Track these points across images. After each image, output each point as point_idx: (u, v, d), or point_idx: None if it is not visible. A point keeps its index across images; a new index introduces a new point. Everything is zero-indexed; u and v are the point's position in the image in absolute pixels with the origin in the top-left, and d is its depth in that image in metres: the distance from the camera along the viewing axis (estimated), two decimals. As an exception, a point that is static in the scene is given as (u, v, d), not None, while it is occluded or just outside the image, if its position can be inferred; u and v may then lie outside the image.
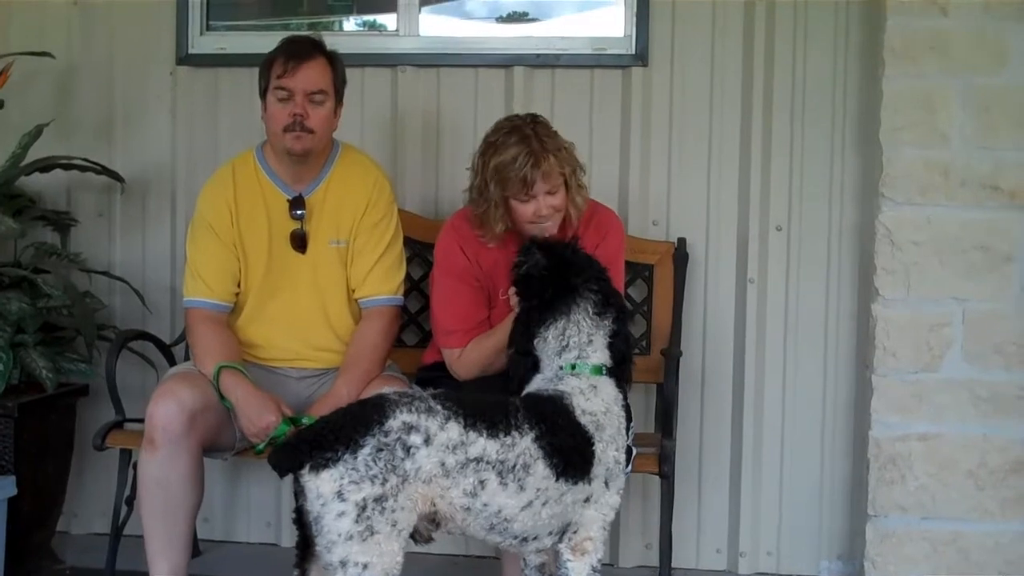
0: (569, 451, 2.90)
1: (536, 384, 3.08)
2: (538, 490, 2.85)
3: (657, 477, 3.68)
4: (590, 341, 3.05)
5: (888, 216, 3.88)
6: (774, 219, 4.20)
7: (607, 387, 3.04)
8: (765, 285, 4.21)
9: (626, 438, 3.06)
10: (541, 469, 2.85)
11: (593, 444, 2.94)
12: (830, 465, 4.23)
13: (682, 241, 4.17)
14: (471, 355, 3.53)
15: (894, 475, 3.91)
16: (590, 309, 3.06)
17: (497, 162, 3.38)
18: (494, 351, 3.44)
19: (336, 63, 3.67)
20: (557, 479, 2.87)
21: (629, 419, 3.17)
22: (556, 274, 3.09)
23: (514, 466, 2.82)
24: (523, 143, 3.38)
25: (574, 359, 3.05)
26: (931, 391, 3.89)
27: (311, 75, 3.58)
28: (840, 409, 4.21)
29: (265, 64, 3.63)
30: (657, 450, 3.62)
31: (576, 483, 2.91)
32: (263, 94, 3.64)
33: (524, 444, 2.84)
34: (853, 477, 4.18)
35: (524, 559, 3.21)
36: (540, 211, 3.41)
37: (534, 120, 3.49)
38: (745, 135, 4.21)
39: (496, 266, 3.56)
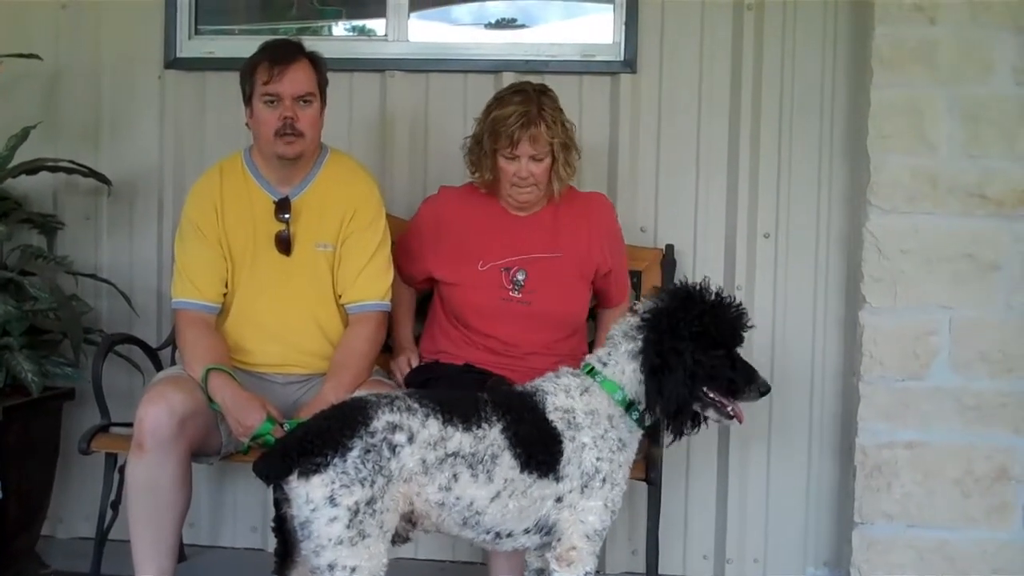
0: (532, 442, 2.91)
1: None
2: (505, 480, 2.88)
3: (644, 483, 3.69)
4: (619, 355, 3.04)
5: (875, 224, 3.89)
6: (762, 226, 4.22)
7: (601, 397, 3.03)
8: (753, 292, 4.22)
9: (616, 450, 3.03)
10: (507, 459, 2.88)
11: (561, 440, 2.95)
12: (817, 472, 4.24)
13: (670, 248, 4.18)
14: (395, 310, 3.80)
15: (880, 482, 3.92)
16: (642, 331, 3.01)
17: (495, 115, 3.57)
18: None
19: (319, 64, 3.68)
20: (522, 470, 2.89)
21: None
22: (677, 306, 3.02)
23: (483, 457, 2.86)
24: (524, 104, 3.57)
25: (596, 360, 3.07)
26: (918, 399, 3.90)
27: (297, 78, 3.59)
28: (827, 416, 4.23)
29: (248, 70, 3.63)
30: (644, 456, 3.62)
31: (541, 477, 2.92)
32: (248, 100, 3.65)
33: (492, 435, 2.88)
34: (840, 484, 4.19)
35: (526, 560, 3.21)
36: (521, 173, 3.56)
37: (543, 90, 3.66)
38: (733, 142, 4.22)
39: (481, 233, 3.68)
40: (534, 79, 4.20)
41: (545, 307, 3.63)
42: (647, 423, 3.06)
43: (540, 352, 3.60)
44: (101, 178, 4.32)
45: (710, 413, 3.07)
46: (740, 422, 3.10)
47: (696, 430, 3.07)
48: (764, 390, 3.07)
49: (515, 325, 3.63)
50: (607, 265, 3.75)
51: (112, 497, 3.81)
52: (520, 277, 3.63)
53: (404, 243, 3.84)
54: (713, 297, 3.02)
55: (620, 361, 3.02)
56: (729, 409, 3.05)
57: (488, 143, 3.56)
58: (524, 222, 3.71)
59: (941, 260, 3.88)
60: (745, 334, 3.07)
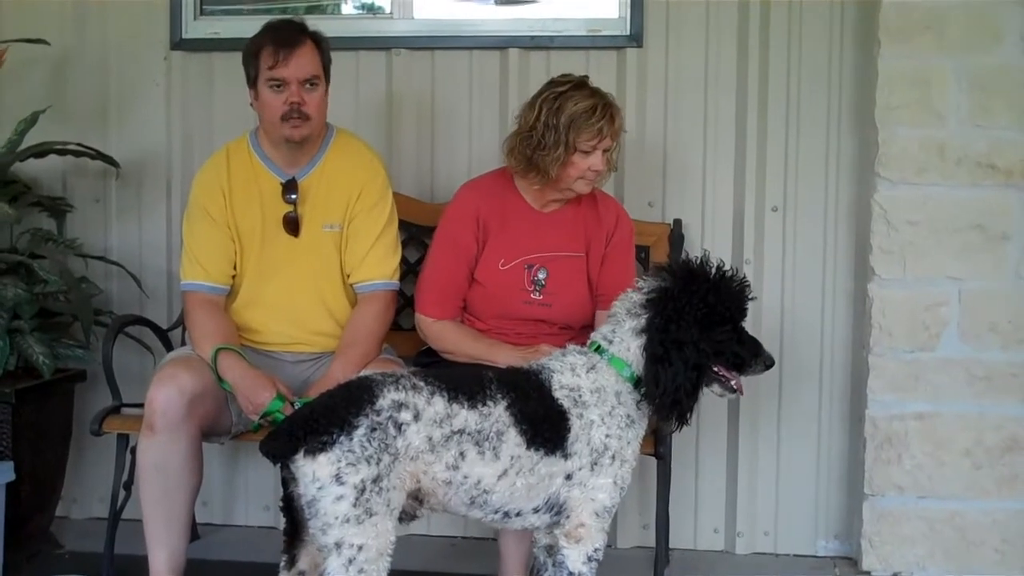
0: (539, 420, 2.91)
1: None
2: (512, 458, 2.88)
3: (653, 458, 3.70)
4: (624, 332, 3.03)
5: (884, 196, 3.89)
6: (770, 200, 4.20)
7: (608, 374, 3.02)
8: (761, 266, 4.21)
9: (625, 427, 3.02)
10: (513, 436, 2.88)
11: (568, 418, 2.95)
12: (827, 445, 4.24)
13: (678, 222, 4.17)
14: (449, 336, 3.63)
15: (891, 454, 3.93)
16: (648, 310, 3.00)
17: (574, 110, 3.49)
18: (468, 356, 3.54)
19: (322, 45, 3.66)
20: (528, 447, 2.90)
21: None
22: (685, 282, 3.00)
23: (489, 434, 2.86)
24: (595, 96, 3.54)
25: (602, 338, 3.06)
26: (928, 370, 3.91)
27: (303, 62, 3.57)
28: (837, 389, 4.22)
29: (251, 52, 3.62)
30: (653, 431, 3.61)
31: (548, 454, 2.92)
32: (252, 83, 3.63)
33: (497, 412, 2.88)
34: (850, 457, 4.19)
35: (534, 538, 3.21)
36: (595, 166, 3.53)
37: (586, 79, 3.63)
38: (740, 115, 4.20)
39: (504, 229, 3.62)
40: (540, 55, 4.25)
41: (565, 311, 3.63)
42: (648, 410, 3.05)
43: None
44: (109, 161, 4.33)
45: (715, 388, 3.08)
46: (742, 394, 3.12)
47: (690, 418, 3.06)
48: (769, 363, 3.09)
49: (534, 326, 3.63)
50: (600, 289, 3.68)
51: (124, 478, 3.82)
52: (541, 276, 3.61)
53: (450, 240, 3.66)
54: (716, 272, 3.02)
55: (625, 338, 3.02)
56: (733, 383, 3.07)
57: (570, 139, 3.47)
58: (548, 219, 3.67)
59: (950, 231, 3.88)
60: (748, 306, 3.07)
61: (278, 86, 3.57)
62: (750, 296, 3.08)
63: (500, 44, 4.29)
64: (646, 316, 2.99)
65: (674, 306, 2.95)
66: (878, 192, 3.89)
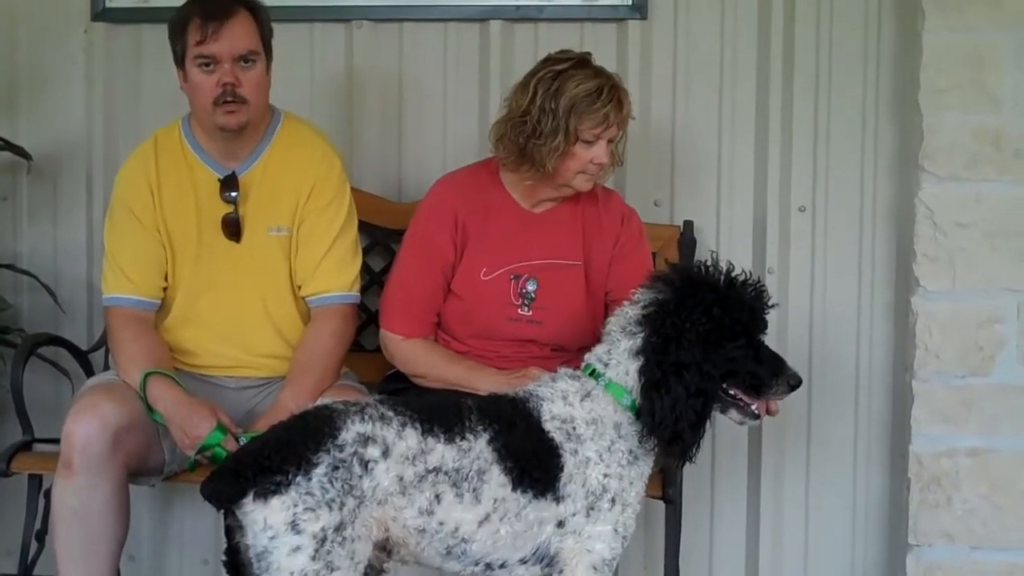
0: (526, 456, 2.90)
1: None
2: (495, 501, 2.88)
3: (661, 501, 3.68)
4: (620, 354, 3.03)
5: (929, 194, 3.89)
6: (796, 198, 4.21)
7: (606, 403, 3.02)
8: (787, 275, 4.22)
9: (627, 465, 3.02)
10: (496, 475, 2.88)
11: (560, 454, 2.94)
12: (864, 486, 4.25)
13: (689, 225, 4.18)
14: (420, 358, 3.63)
15: (939, 497, 3.92)
16: (643, 325, 3.00)
17: (576, 92, 3.47)
18: (443, 381, 3.55)
19: (260, 14, 3.64)
20: (514, 488, 2.89)
21: None
22: (685, 289, 3.00)
23: (469, 474, 2.85)
24: (601, 76, 3.52)
25: (597, 360, 3.05)
26: (982, 398, 3.90)
27: (236, 35, 3.55)
28: (875, 420, 4.23)
29: (177, 26, 3.60)
30: (660, 470, 3.59)
31: (537, 497, 2.91)
32: (179, 62, 3.62)
33: (478, 447, 2.88)
34: (891, 500, 4.20)
35: None
36: (598, 158, 3.51)
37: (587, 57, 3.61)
38: (762, 100, 4.22)
39: (487, 232, 3.61)
40: (526, 28, 4.26)
41: (558, 330, 3.64)
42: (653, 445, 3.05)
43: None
44: (19, 151, 4.30)
45: (732, 414, 3.08)
46: (768, 415, 3.12)
47: (694, 454, 3.05)
48: (794, 383, 3.07)
49: (520, 346, 3.64)
50: (615, 293, 3.68)
51: (37, 526, 3.80)
52: (530, 288, 3.62)
53: (422, 244, 3.66)
54: (723, 280, 3.01)
55: (622, 361, 3.02)
56: (753, 408, 3.05)
57: (571, 126, 3.46)
58: (539, 220, 3.68)
59: (1008, 235, 3.88)
60: (767, 316, 3.05)
61: (208, 65, 3.55)
62: (769, 303, 3.07)
63: (480, 15, 4.29)
64: (641, 335, 2.99)
65: (672, 322, 2.95)
66: (923, 189, 3.89)
